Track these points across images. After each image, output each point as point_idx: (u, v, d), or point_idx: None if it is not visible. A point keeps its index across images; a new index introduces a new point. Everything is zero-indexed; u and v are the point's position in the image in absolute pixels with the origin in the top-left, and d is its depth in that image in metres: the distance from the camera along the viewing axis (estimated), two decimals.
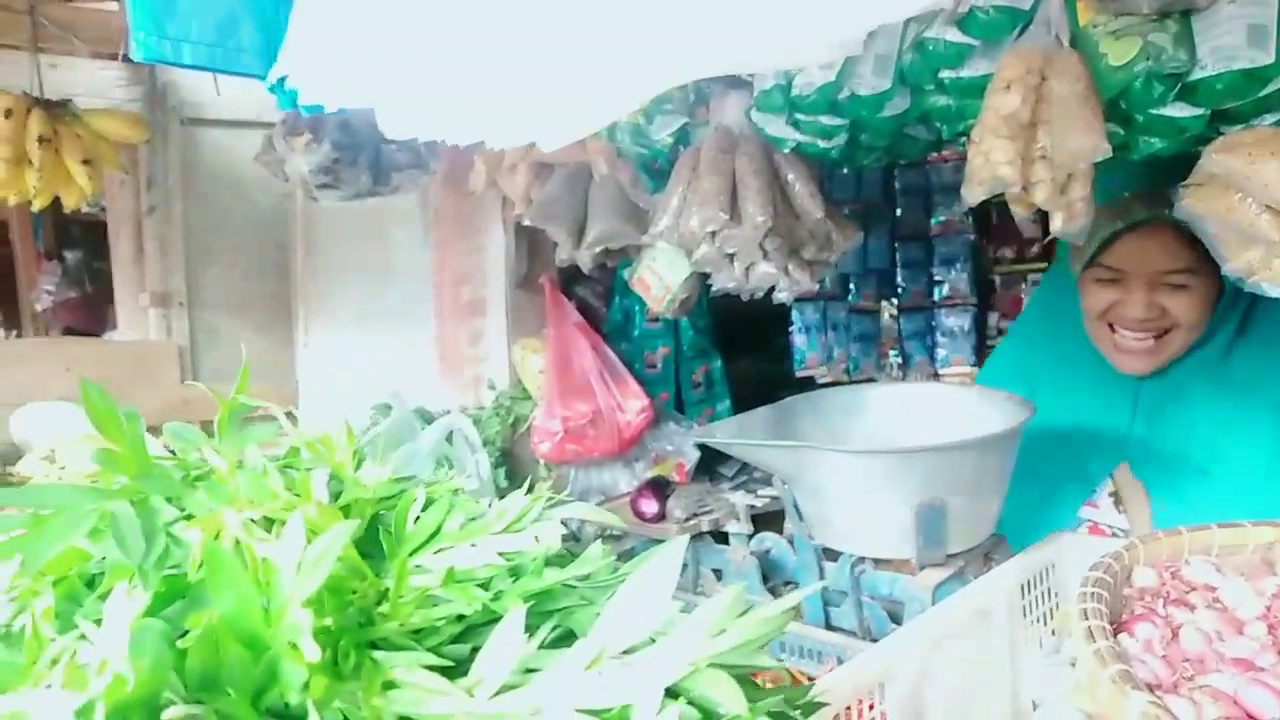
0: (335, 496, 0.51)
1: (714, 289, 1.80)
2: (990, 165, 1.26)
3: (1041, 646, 1.20)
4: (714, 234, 1.69)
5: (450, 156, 2.34)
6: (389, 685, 0.42)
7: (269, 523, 0.46)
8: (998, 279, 2.85)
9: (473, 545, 0.49)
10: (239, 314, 3.04)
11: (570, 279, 2.58)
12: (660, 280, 2.01)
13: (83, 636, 0.40)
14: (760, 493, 1.78)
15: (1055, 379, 1.58)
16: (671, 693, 0.45)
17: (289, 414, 0.64)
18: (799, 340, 2.74)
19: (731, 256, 1.73)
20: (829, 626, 1.36)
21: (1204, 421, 1.43)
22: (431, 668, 0.44)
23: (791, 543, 1.44)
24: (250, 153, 2.99)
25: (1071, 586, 1.25)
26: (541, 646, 0.46)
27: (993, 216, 2.79)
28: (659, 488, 1.90)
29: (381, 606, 0.45)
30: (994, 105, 1.20)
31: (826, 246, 1.77)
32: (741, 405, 2.75)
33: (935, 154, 2.47)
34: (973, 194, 1.32)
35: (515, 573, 0.51)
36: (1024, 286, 2.80)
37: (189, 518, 0.45)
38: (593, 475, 2.46)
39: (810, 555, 1.39)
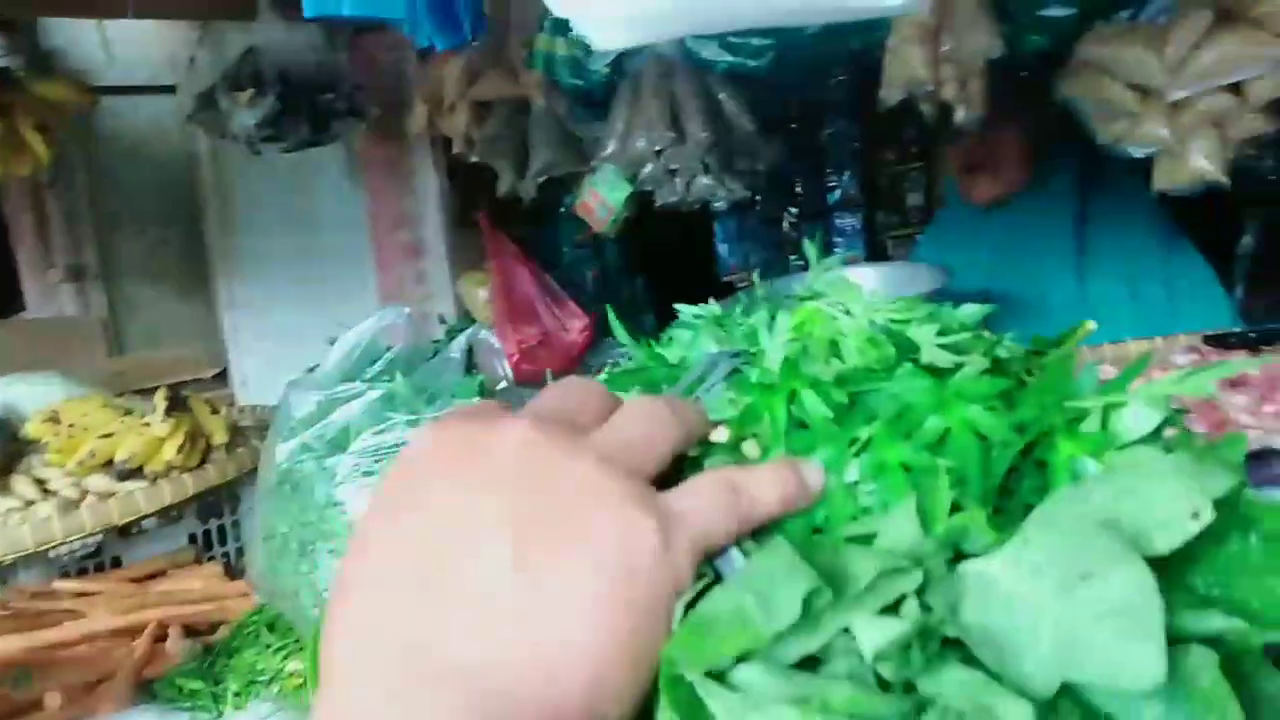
0: None
1: (658, 205, 2.00)
2: (908, 69, 1.50)
3: None
4: (659, 152, 1.88)
5: (379, 103, 2.41)
6: None
7: None
8: (883, 181, 3.17)
9: None
10: (156, 282, 3.02)
11: (501, 213, 2.71)
12: (603, 203, 2.18)
13: None
14: None
15: None
16: None
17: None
18: (723, 250, 2.98)
19: (674, 173, 1.93)
20: None
21: None
22: None
23: None
24: (147, 118, 2.95)
25: None
26: None
27: (874, 124, 3.08)
28: None
29: None
30: (909, 17, 1.43)
31: (757, 157, 1.99)
32: (665, 317, 2.96)
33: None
34: (892, 95, 1.57)
35: None
36: (906, 185, 3.11)
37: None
38: None
39: None
